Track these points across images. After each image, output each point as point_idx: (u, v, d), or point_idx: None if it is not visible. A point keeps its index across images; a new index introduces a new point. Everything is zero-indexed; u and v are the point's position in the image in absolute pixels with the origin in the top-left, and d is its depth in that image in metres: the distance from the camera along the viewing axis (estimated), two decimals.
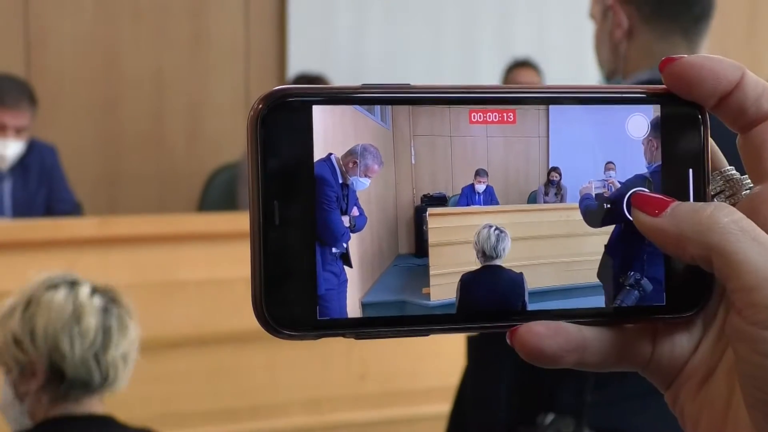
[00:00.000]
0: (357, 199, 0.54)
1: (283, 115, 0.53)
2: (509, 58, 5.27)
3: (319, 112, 0.54)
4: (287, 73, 5.03)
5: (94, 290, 2.00)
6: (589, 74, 5.19)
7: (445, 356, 3.43)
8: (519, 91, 0.56)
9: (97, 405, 1.97)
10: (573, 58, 5.32)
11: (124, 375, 1.99)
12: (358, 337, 0.54)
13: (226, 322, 3.30)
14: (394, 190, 0.55)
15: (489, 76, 5.36)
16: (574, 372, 1.85)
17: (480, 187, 0.55)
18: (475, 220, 0.55)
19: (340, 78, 4.79)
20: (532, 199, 0.56)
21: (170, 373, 3.17)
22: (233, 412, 3.33)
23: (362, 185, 0.54)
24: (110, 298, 2.00)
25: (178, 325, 3.17)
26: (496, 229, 0.55)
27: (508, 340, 0.53)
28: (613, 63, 1.86)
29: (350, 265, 0.54)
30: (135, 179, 4.99)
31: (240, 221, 3.50)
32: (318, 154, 0.53)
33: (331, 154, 0.54)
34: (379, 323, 0.54)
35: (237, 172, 4.62)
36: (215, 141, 5.08)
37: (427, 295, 0.55)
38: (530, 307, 0.55)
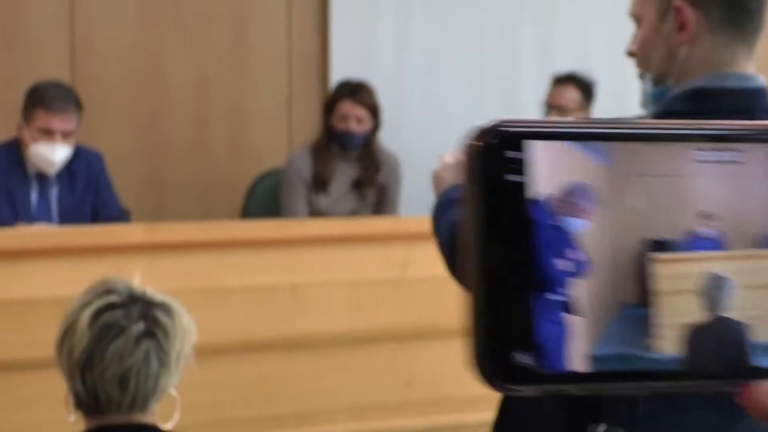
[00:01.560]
0: (574, 241, 0.50)
1: (500, 151, 0.50)
2: (551, 63, 5.24)
3: (535, 148, 0.50)
4: (330, 78, 5.03)
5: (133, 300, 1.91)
6: (631, 81, 5.15)
7: None
8: (749, 129, 0.52)
9: (138, 416, 1.92)
10: (615, 65, 5.28)
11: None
12: (583, 393, 0.51)
13: (272, 328, 3.30)
14: (614, 234, 0.51)
15: (531, 82, 5.34)
16: None
17: (707, 232, 0.51)
18: (702, 267, 0.50)
19: (382, 84, 4.78)
20: (767, 244, 0.51)
21: (216, 380, 3.18)
22: (279, 418, 3.33)
23: (577, 226, 0.51)
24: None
25: (224, 332, 3.17)
26: (720, 276, 0.50)
27: (738, 400, 0.48)
28: (666, 67, 1.82)
29: (573, 313, 0.50)
30: (178, 186, 5.00)
31: (284, 228, 3.51)
32: (534, 192, 0.50)
33: (544, 193, 0.50)
34: (603, 378, 0.51)
35: (280, 178, 4.62)
36: (258, 147, 5.08)
37: (653, 348, 0.51)
38: (764, 362, 0.50)
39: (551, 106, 4.88)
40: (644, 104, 1.89)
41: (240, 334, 3.26)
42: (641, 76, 1.90)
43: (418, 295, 3.45)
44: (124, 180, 4.47)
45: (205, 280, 3.23)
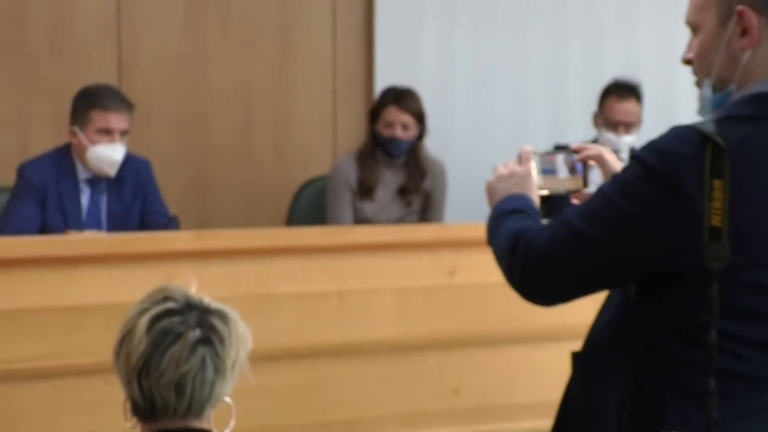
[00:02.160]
0: None
1: None
2: (598, 69, 5.21)
3: None
4: (374, 86, 5.03)
5: (189, 307, 1.91)
6: (681, 85, 5.11)
7: (539, 371, 3.39)
8: None
9: (194, 421, 1.92)
10: (664, 71, 5.25)
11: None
12: None
13: (319, 335, 3.30)
14: None
15: (577, 88, 5.31)
16: (692, 387, 1.77)
17: None
18: None
19: (427, 91, 4.76)
20: None
21: (264, 386, 3.16)
22: (327, 425, 3.32)
23: None
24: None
25: (272, 339, 3.17)
26: None
27: None
28: (727, 72, 1.80)
29: None
30: (223, 192, 5.02)
31: (332, 235, 3.50)
32: None
33: None
34: None
35: (325, 185, 4.63)
36: (303, 154, 5.09)
37: None
38: None
39: (615, 122, 4.71)
40: (702, 111, 1.87)
41: (287, 342, 3.26)
42: (698, 84, 1.88)
43: (466, 303, 3.43)
44: (168, 186, 4.49)
45: (252, 287, 3.23)
